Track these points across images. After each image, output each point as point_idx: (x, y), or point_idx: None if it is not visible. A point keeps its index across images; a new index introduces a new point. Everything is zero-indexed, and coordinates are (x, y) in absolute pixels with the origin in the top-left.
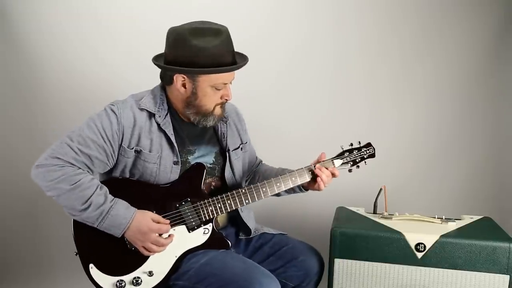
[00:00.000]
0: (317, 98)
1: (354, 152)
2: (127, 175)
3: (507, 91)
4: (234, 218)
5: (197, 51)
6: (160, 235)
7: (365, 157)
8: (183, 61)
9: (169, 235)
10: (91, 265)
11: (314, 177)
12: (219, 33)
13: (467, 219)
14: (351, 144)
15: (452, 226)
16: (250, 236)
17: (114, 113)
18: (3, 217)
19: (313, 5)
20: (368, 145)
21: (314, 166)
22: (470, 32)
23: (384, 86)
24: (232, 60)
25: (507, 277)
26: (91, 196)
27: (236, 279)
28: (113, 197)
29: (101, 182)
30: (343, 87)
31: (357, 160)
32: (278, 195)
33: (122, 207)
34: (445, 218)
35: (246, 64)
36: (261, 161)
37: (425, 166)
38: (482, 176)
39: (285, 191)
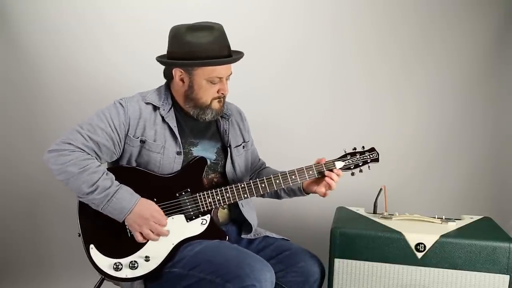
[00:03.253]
0: (317, 98)
1: (357, 156)
2: (134, 165)
3: (507, 91)
4: (236, 216)
5: (191, 46)
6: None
7: (368, 161)
8: (179, 56)
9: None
10: (91, 246)
11: (320, 177)
12: (212, 29)
13: (467, 219)
14: (354, 148)
15: (452, 226)
16: (251, 234)
17: (122, 105)
18: (3, 217)
19: (312, 4)
20: (372, 149)
21: (323, 167)
22: (470, 32)
23: (384, 86)
24: (227, 55)
25: (507, 277)
26: (98, 180)
27: (227, 264)
28: (119, 183)
29: (107, 169)
30: (343, 86)
31: (360, 164)
32: (279, 197)
33: (126, 192)
34: (445, 218)
35: (238, 59)
36: (264, 163)
37: (425, 166)
38: (482, 176)
39: (286, 192)
